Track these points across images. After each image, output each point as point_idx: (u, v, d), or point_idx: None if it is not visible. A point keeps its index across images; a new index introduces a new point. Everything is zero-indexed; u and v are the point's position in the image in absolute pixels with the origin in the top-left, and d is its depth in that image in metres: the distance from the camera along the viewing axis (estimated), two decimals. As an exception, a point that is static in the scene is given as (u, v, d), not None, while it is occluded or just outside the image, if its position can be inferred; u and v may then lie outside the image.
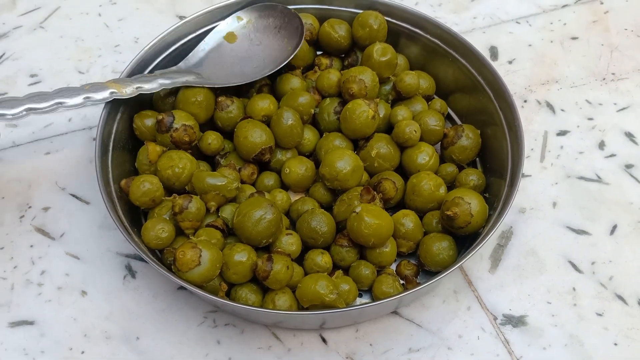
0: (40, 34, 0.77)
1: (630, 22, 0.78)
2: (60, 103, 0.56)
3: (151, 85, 0.60)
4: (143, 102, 0.64)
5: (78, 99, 0.57)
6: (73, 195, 0.64)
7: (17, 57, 0.75)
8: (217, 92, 0.63)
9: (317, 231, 0.56)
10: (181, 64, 0.64)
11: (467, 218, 0.55)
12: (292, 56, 0.65)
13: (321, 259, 0.56)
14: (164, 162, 0.58)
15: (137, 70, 0.63)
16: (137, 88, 0.59)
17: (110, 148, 0.60)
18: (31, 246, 0.61)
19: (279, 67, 0.65)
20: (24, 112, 0.55)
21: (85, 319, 0.56)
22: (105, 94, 0.58)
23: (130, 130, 0.62)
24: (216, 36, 0.67)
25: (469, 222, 0.55)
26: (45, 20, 0.78)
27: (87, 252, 0.60)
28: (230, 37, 0.66)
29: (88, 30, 0.78)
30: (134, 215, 0.59)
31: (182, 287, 0.58)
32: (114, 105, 0.60)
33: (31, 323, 0.56)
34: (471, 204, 0.55)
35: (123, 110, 0.61)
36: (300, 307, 0.54)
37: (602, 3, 0.80)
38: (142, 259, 0.60)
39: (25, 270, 0.59)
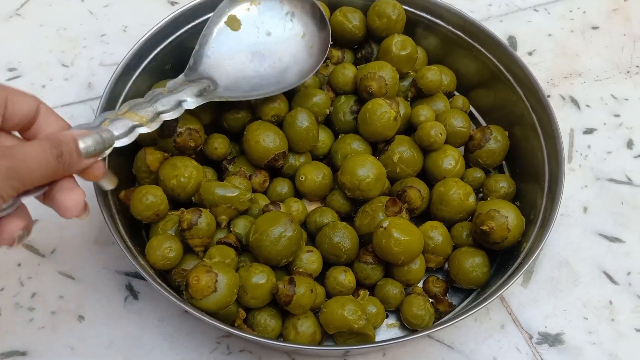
0: (17, 22, 0.69)
1: (652, 10, 0.74)
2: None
3: (173, 112, 0.49)
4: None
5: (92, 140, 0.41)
6: (63, 206, 0.58)
7: (-8, 48, 0.68)
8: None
9: (341, 247, 0.51)
10: (188, 71, 0.55)
11: (503, 233, 0.51)
12: (322, 62, 0.56)
13: (344, 277, 0.51)
14: (168, 171, 0.52)
15: (132, 65, 0.57)
16: (157, 114, 0.48)
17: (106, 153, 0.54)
18: (19, 265, 0.54)
19: (306, 78, 0.55)
20: None
21: (85, 349, 0.51)
22: (124, 129, 0.45)
23: (127, 133, 0.56)
24: (217, 22, 0.57)
25: (506, 237, 0.51)
26: (22, 7, 0.71)
27: (82, 271, 0.55)
28: (232, 22, 0.57)
29: (71, 17, 0.70)
30: (134, 229, 0.53)
31: (190, 309, 0.52)
32: (108, 104, 0.54)
33: (23, 354, 0.51)
34: (508, 217, 0.51)
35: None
36: (325, 332, 0.49)
37: (622, -11, 0.75)
38: (144, 278, 0.54)
39: (13, 293, 0.53)
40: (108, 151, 0.42)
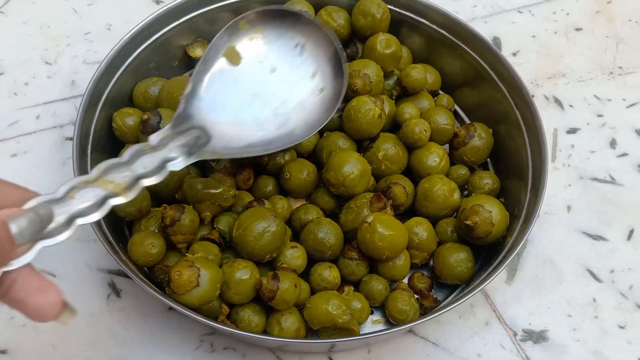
0: None
1: (634, 13, 0.74)
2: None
3: (156, 177, 0.40)
4: (123, 98, 0.58)
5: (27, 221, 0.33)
6: (45, 203, 0.57)
7: (-26, 45, 0.67)
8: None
9: (325, 243, 0.51)
10: (176, 119, 0.46)
11: (487, 228, 0.51)
12: (331, 116, 0.48)
13: (329, 273, 0.51)
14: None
15: (116, 63, 0.57)
16: (136, 180, 0.39)
17: (89, 150, 0.53)
18: (-1, 262, 0.54)
19: (312, 133, 0.49)
20: None
21: (66, 347, 0.50)
22: (94, 200, 0.36)
23: (110, 129, 0.56)
24: (214, 56, 0.48)
25: (490, 231, 0.51)
26: (5, 4, 0.70)
27: (64, 269, 0.54)
28: (232, 55, 0.48)
29: (54, 15, 0.70)
30: (116, 226, 0.52)
31: (173, 307, 0.52)
32: (91, 101, 0.54)
33: (3, 352, 0.50)
34: (492, 212, 0.51)
35: (101, 107, 0.55)
36: (309, 328, 0.49)
37: (605, -8, 0.76)
38: (127, 275, 0.53)
39: (-7, 291, 0.52)
40: (51, 242, 0.34)
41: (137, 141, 0.54)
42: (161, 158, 0.41)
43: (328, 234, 0.51)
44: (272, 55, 0.49)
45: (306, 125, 0.49)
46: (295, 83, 0.50)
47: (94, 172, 0.38)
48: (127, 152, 0.40)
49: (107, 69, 0.55)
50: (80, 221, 0.35)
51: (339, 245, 0.52)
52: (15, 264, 0.32)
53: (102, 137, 0.55)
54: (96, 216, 0.36)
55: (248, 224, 0.49)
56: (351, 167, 0.53)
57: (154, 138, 0.43)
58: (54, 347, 0.50)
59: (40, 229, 0.33)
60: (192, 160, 0.43)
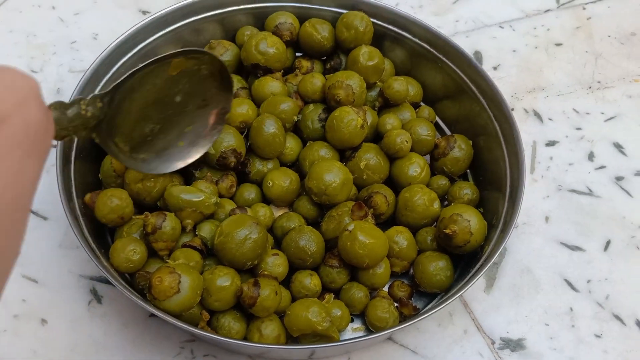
0: (-14, 28, 0.70)
1: (613, 29, 0.76)
2: None
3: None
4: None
5: None
6: (28, 210, 0.58)
7: (-40, 53, 0.67)
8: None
9: (306, 251, 0.52)
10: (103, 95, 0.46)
11: (466, 236, 0.52)
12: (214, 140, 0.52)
13: (310, 281, 0.51)
14: (133, 175, 0.52)
15: (102, 72, 0.57)
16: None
17: (73, 157, 0.54)
18: (-20, 268, 0.54)
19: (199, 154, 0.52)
20: None
21: (47, 353, 0.50)
22: None
23: (94, 137, 0.56)
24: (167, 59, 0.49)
25: (468, 240, 0.52)
26: (-8, 13, 0.71)
27: (46, 275, 0.54)
28: (177, 65, 0.50)
29: (41, 24, 0.70)
30: (98, 233, 0.53)
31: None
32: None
33: (-18, 357, 0.50)
34: (470, 221, 0.52)
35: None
36: (289, 335, 0.49)
37: (584, 9, 0.78)
38: (108, 282, 0.54)
39: (-26, 296, 0.52)
40: None
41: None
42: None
43: (309, 242, 0.52)
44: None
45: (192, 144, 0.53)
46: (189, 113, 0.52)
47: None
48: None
49: (92, 77, 0.56)
50: None
51: (320, 254, 0.53)
52: None
53: (86, 144, 0.55)
54: None
55: (229, 231, 0.49)
56: (333, 176, 0.54)
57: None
58: (34, 353, 0.50)
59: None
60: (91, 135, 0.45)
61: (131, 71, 0.48)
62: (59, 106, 0.42)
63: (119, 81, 0.47)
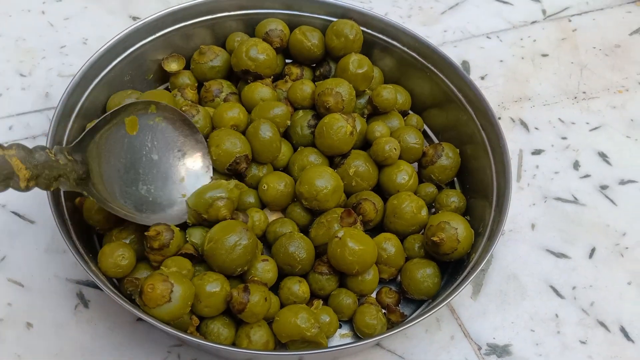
0: (-26, 31, 0.69)
1: (597, 41, 0.77)
2: None
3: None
4: (96, 109, 0.58)
5: None
6: (15, 214, 0.57)
7: (-52, 56, 0.67)
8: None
9: (295, 257, 0.52)
10: (75, 146, 0.48)
11: (453, 244, 0.52)
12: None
13: (298, 287, 0.52)
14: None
15: (91, 76, 0.57)
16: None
17: (61, 162, 0.53)
18: (-34, 272, 0.53)
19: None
20: None
21: (32, 357, 0.50)
22: None
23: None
24: (118, 115, 0.51)
25: (456, 248, 0.52)
26: (-20, 16, 0.70)
27: (32, 279, 0.54)
28: (131, 124, 0.51)
29: (30, 29, 0.70)
30: (86, 237, 0.53)
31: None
32: (64, 113, 0.54)
33: (-33, 362, 0.49)
34: (458, 229, 0.52)
35: (75, 119, 0.55)
36: (278, 341, 0.49)
37: (570, 21, 0.79)
38: (95, 286, 0.53)
39: (-41, 300, 0.52)
40: None
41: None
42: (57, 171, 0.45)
43: (299, 248, 0.52)
44: (159, 144, 0.53)
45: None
46: (166, 178, 0.53)
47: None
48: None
49: (81, 81, 0.56)
50: None
51: (309, 260, 0.53)
52: None
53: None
54: None
55: (219, 237, 0.49)
56: (325, 182, 0.54)
57: (56, 149, 0.46)
58: (19, 357, 0.50)
59: None
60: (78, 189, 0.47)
61: (87, 130, 0.49)
62: (17, 146, 0.42)
63: (79, 138, 0.48)
